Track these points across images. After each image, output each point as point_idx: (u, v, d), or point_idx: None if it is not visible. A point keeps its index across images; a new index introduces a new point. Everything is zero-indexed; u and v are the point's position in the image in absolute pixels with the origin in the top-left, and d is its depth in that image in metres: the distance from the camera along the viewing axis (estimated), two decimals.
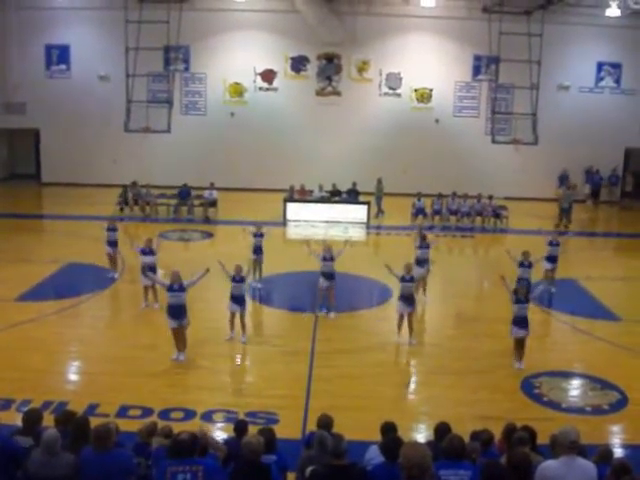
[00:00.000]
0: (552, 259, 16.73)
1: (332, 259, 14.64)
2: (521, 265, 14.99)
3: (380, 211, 25.70)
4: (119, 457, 6.20)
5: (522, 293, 12.24)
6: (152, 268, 14.74)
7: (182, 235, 22.59)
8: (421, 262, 15.62)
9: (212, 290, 14.97)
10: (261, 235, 16.66)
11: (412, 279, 13.29)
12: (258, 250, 16.58)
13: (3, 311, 14.46)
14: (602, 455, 6.77)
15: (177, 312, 12.05)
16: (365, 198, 25.31)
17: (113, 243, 17.00)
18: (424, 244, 16.02)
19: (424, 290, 15.89)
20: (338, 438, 6.33)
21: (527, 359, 12.27)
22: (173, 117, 27.43)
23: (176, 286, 12.12)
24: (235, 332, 13.15)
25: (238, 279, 13.03)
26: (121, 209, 25.13)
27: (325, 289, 14.79)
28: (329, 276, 14.66)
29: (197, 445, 6.22)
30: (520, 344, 12.21)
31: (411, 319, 13.33)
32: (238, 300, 13.03)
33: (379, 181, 25.88)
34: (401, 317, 13.28)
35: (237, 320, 13.14)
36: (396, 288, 13.70)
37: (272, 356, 12.67)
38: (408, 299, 13.17)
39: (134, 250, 15.64)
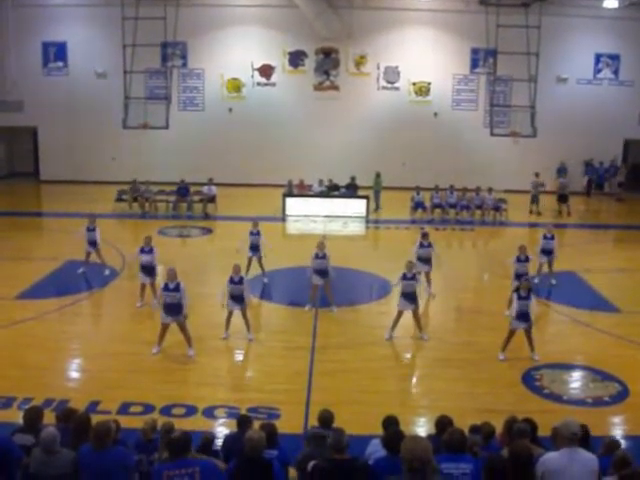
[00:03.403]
0: (546, 252, 16.71)
1: (325, 257, 14.60)
2: (518, 260, 14.93)
3: (377, 206, 25.64)
4: (117, 454, 6.21)
5: (525, 289, 12.22)
6: (151, 267, 14.75)
7: (181, 231, 22.61)
8: (423, 260, 15.61)
9: (212, 285, 14.97)
10: (257, 233, 16.58)
11: (414, 277, 13.17)
12: (254, 247, 16.53)
13: (3, 309, 14.46)
14: (608, 447, 6.79)
15: (173, 309, 12.08)
16: (364, 192, 25.30)
17: (93, 243, 16.96)
18: (426, 243, 15.92)
19: (429, 285, 15.83)
20: (339, 432, 6.33)
21: (526, 351, 12.31)
22: (171, 113, 27.36)
23: (172, 285, 12.11)
24: (230, 332, 13.06)
25: (236, 280, 12.91)
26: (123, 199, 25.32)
27: (320, 286, 14.77)
28: (322, 273, 14.61)
29: (191, 442, 6.24)
30: (526, 336, 12.26)
31: (417, 316, 13.26)
32: (236, 298, 12.93)
33: (377, 175, 25.85)
34: (400, 314, 13.21)
35: (237, 319, 13.01)
36: (396, 282, 13.64)
37: (273, 351, 12.67)
38: (410, 296, 13.08)
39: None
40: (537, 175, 26.12)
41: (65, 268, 17.66)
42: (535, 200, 25.88)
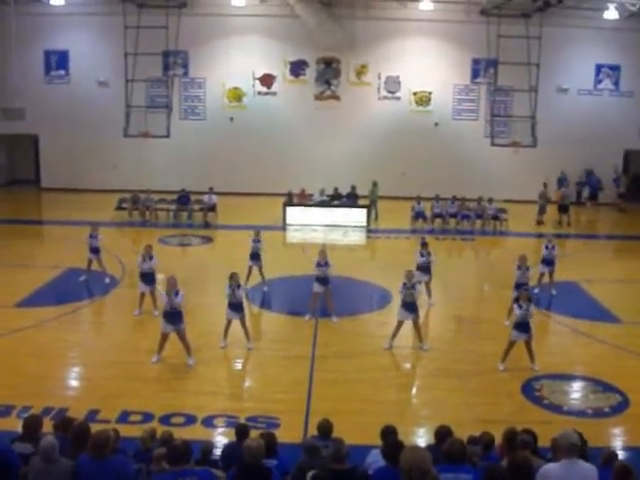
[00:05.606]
0: (547, 262, 16.70)
1: (327, 264, 14.61)
2: (519, 269, 14.94)
3: (376, 216, 25.51)
4: (115, 463, 6.16)
5: (524, 299, 12.21)
6: (151, 274, 14.74)
7: (182, 240, 22.61)
8: (422, 269, 15.62)
9: (211, 295, 14.97)
10: (259, 241, 16.61)
11: (414, 286, 13.18)
12: (255, 256, 16.55)
13: (3, 317, 14.45)
14: (607, 458, 6.77)
15: (173, 318, 12.08)
16: (365, 202, 25.30)
17: (95, 250, 16.97)
18: (425, 252, 15.96)
19: (429, 295, 15.85)
20: (339, 442, 6.31)
21: (526, 362, 12.28)
22: (172, 122, 27.51)
23: (173, 293, 12.14)
24: (227, 341, 13.03)
25: (235, 287, 12.92)
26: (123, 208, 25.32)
27: (322, 294, 14.76)
28: (324, 281, 14.63)
29: (191, 452, 6.22)
30: (527, 347, 12.24)
31: (417, 326, 13.25)
32: (235, 307, 12.94)
33: (374, 184, 25.63)
34: (399, 324, 13.20)
35: (236, 328, 13.02)
36: (396, 292, 13.65)
37: (272, 360, 12.66)
38: (410, 306, 13.09)
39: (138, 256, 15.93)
40: (545, 185, 26.09)
41: (66, 276, 17.66)
42: (542, 210, 25.79)
